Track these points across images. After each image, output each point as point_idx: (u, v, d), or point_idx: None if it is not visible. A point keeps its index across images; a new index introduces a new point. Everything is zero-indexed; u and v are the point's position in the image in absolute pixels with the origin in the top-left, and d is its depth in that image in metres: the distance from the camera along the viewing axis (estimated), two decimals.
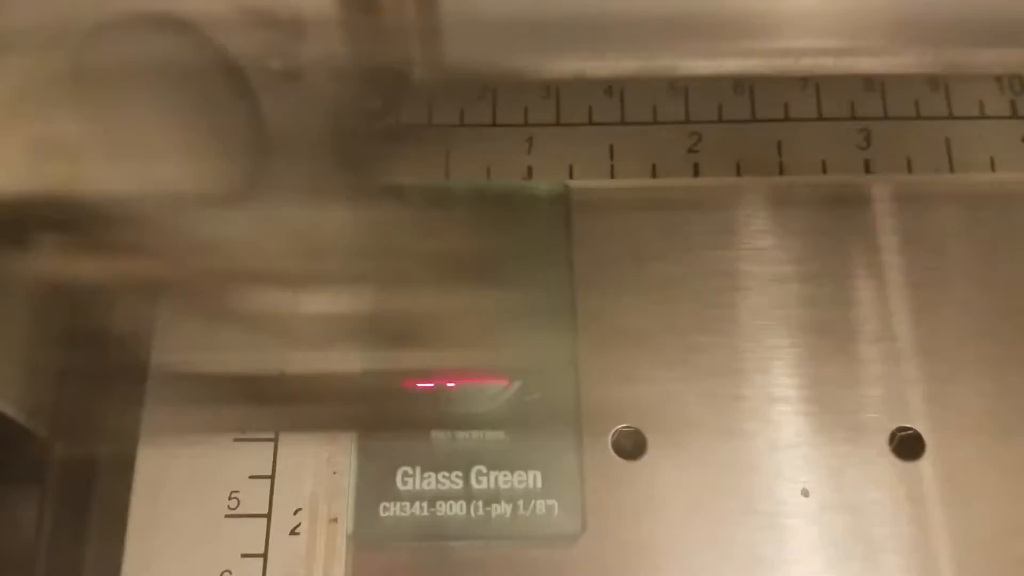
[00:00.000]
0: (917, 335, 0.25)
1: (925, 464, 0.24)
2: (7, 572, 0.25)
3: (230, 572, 0.22)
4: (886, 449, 0.25)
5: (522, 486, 0.24)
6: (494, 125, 0.28)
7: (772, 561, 0.24)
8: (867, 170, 0.27)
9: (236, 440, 0.24)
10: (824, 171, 0.27)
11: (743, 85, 0.28)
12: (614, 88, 0.28)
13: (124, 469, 0.24)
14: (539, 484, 0.24)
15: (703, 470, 0.24)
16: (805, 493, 0.24)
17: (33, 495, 0.25)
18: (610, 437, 0.25)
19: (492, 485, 0.24)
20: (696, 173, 0.27)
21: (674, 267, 0.26)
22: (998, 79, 0.28)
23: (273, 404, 0.23)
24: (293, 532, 0.23)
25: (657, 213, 0.27)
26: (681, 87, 0.28)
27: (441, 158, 0.27)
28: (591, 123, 0.28)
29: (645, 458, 0.24)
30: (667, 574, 0.24)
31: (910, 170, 0.27)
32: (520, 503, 0.23)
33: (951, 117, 0.28)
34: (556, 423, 0.24)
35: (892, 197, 0.27)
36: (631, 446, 0.25)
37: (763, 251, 0.26)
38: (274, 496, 0.23)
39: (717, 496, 0.24)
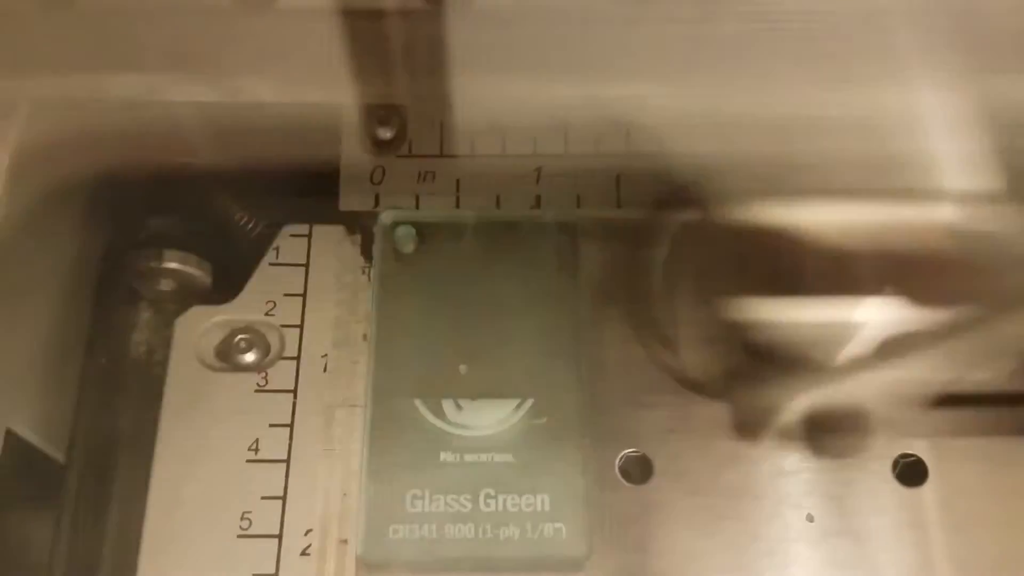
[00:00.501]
0: None
1: (927, 491, 0.25)
2: None
3: None
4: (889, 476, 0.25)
5: (530, 509, 0.24)
6: None
7: None
8: None
9: (249, 461, 0.24)
10: None
11: None
12: None
13: (138, 491, 0.24)
14: (547, 507, 0.24)
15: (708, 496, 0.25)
16: (810, 519, 0.25)
17: (49, 517, 0.26)
18: (617, 461, 0.25)
19: (500, 508, 0.24)
20: None
21: None
22: None
23: None
24: (304, 553, 0.23)
25: None
26: None
27: None
28: None
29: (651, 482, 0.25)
30: None
31: None
32: (528, 526, 0.24)
33: None
34: (563, 446, 0.25)
35: None
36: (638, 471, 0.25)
37: None
38: (285, 517, 0.24)
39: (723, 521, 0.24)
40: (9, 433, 0.23)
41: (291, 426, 0.25)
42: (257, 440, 0.24)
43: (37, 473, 0.25)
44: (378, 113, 0.28)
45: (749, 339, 0.24)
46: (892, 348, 0.21)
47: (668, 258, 0.26)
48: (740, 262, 0.23)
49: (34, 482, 0.25)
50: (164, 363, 0.26)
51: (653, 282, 0.26)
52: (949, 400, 0.24)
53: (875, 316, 0.21)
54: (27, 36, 0.22)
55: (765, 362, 0.24)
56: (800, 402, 0.24)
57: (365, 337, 0.26)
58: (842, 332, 0.22)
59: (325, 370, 0.26)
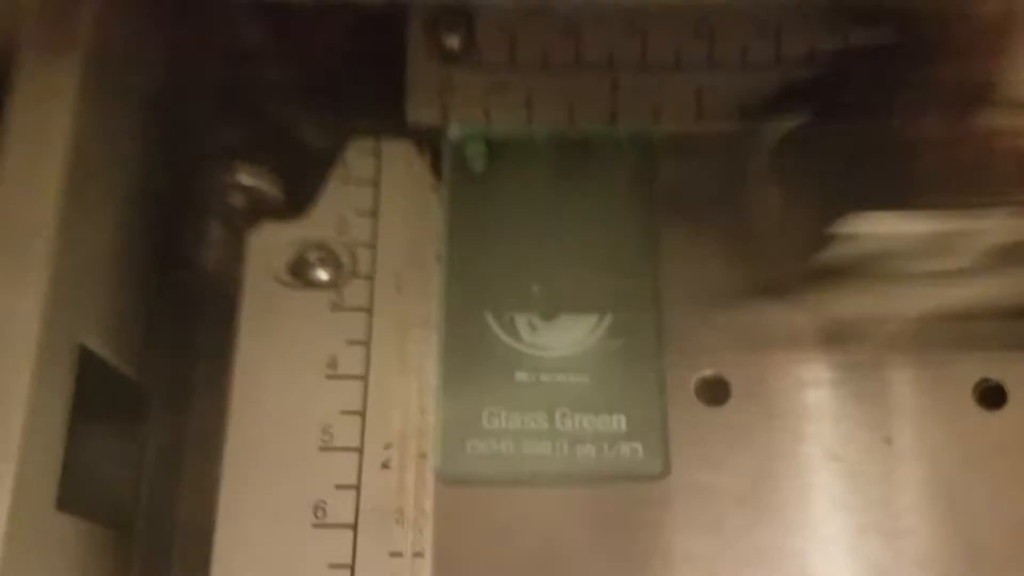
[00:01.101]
0: None
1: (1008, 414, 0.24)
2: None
3: (325, 503, 0.23)
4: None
5: (607, 429, 0.24)
6: None
7: (851, 506, 0.24)
8: None
9: (328, 377, 0.24)
10: None
11: None
12: None
13: (216, 409, 0.25)
14: (624, 427, 0.24)
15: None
16: (888, 441, 0.24)
17: (130, 433, 0.26)
18: (693, 383, 0.25)
19: (577, 426, 0.24)
20: None
21: None
22: None
23: None
24: (384, 466, 0.24)
25: None
26: None
27: None
28: None
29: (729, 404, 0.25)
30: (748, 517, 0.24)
31: None
32: (605, 445, 0.24)
33: None
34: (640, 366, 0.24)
35: None
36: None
37: None
38: (365, 432, 0.24)
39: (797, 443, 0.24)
40: (84, 349, 0.23)
41: (367, 344, 0.25)
42: (335, 357, 0.25)
43: (114, 390, 0.25)
44: (446, 19, 0.27)
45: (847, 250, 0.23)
46: (1006, 258, 0.21)
47: (759, 170, 0.25)
48: (845, 169, 0.23)
49: (112, 399, 0.25)
50: (235, 279, 0.26)
51: (742, 197, 0.25)
52: None
53: (989, 225, 0.21)
54: None
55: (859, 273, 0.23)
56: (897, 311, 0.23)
57: (438, 257, 0.26)
58: (950, 242, 0.21)
59: (399, 289, 0.25)
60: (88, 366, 0.23)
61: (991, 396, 0.25)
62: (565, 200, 0.26)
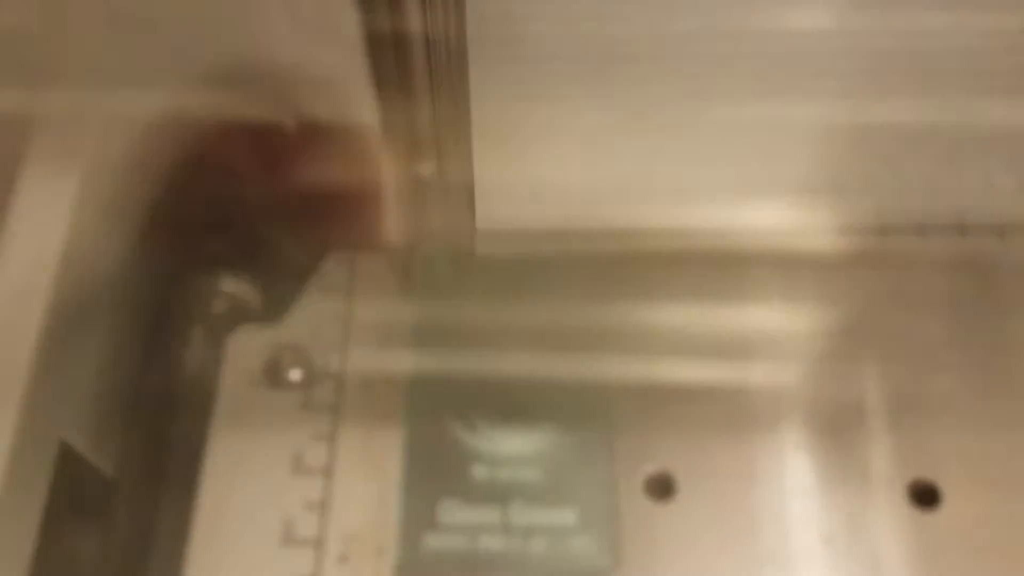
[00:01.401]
0: None
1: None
2: None
3: None
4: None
5: (560, 522, 0.25)
6: None
7: None
8: None
9: (293, 472, 0.26)
10: None
11: None
12: None
13: (186, 502, 0.26)
14: (576, 522, 0.25)
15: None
16: (827, 541, 0.25)
17: (99, 531, 0.27)
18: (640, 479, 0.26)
19: (530, 522, 0.25)
20: None
21: None
22: None
23: None
24: (343, 559, 0.24)
25: None
26: None
27: None
28: None
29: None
30: None
31: None
32: (557, 540, 0.25)
33: None
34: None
35: None
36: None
37: None
38: (325, 525, 0.25)
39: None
40: (64, 445, 0.24)
41: (333, 439, 0.26)
42: (301, 453, 0.26)
43: (88, 487, 0.26)
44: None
45: None
46: None
47: None
48: None
49: (85, 495, 0.26)
50: (213, 380, 0.27)
51: None
52: None
53: None
54: (96, 51, 0.24)
55: None
56: None
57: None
58: None
59: (366, 388, 0.27)
60: (67, 462, 0.24)
61: (925, 496, 0.26)
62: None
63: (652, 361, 0.27)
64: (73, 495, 0.25)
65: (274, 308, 0.28)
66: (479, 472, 0.26)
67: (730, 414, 0.27)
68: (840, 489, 0.26)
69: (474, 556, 0.25)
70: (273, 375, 0.27)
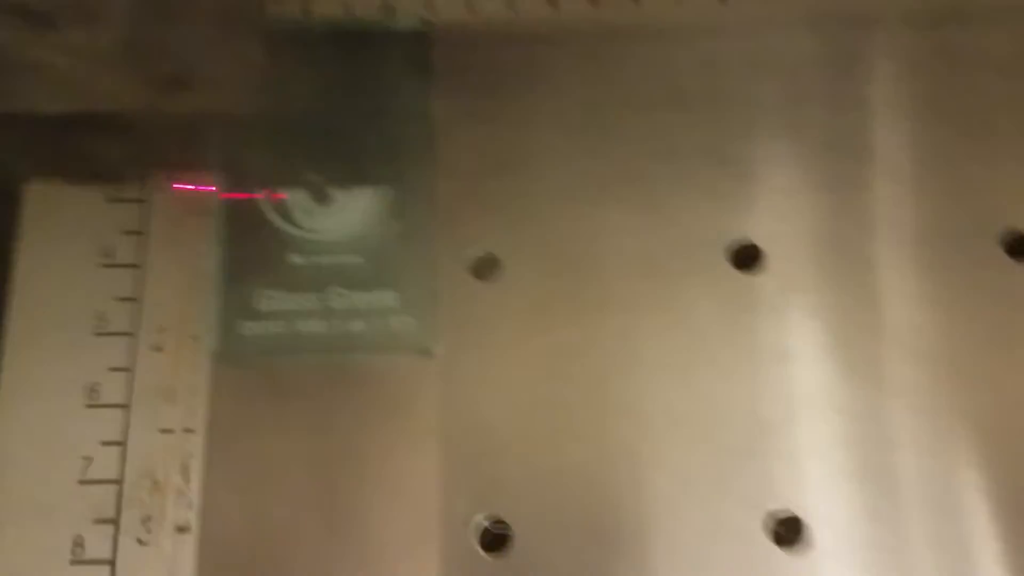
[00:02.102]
0: None
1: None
2: None
3: (99, 384, 0.24)
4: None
5: (380, 304, 0.25)
6: None
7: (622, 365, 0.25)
8: None
9: (104, 266, 0.25)
10: None
11: None
12: None
13: None
14: (396, 303, 0.25)
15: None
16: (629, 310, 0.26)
17: None
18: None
19: (350, 305, 0.25)
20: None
21: None
22: None
23: None
24: (157, 348, 0.24)
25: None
26: None
27: None
28: None
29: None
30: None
31: None
32: (377, 320, 0.25)
33: None
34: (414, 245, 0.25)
35: None
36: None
37: None
38: (141, 316, 0.24)
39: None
40: None
41: (144, 233, 0.25)
42: (112, 246, 0.25)
43: None
44: None
45: None
46: None
47: None
48: None
49: None
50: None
51: None
52: None
53: None
54: None
55: None
56: None
57: None
58: None
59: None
60: None
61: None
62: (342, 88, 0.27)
63: None
64: None
65: None
66: (296, 260, 0.25)
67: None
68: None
69: (293, 340, 0.25)
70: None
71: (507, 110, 0.27)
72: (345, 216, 0.26)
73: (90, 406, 0.24)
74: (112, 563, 0.23)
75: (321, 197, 0.26)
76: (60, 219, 0.25)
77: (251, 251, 0.25)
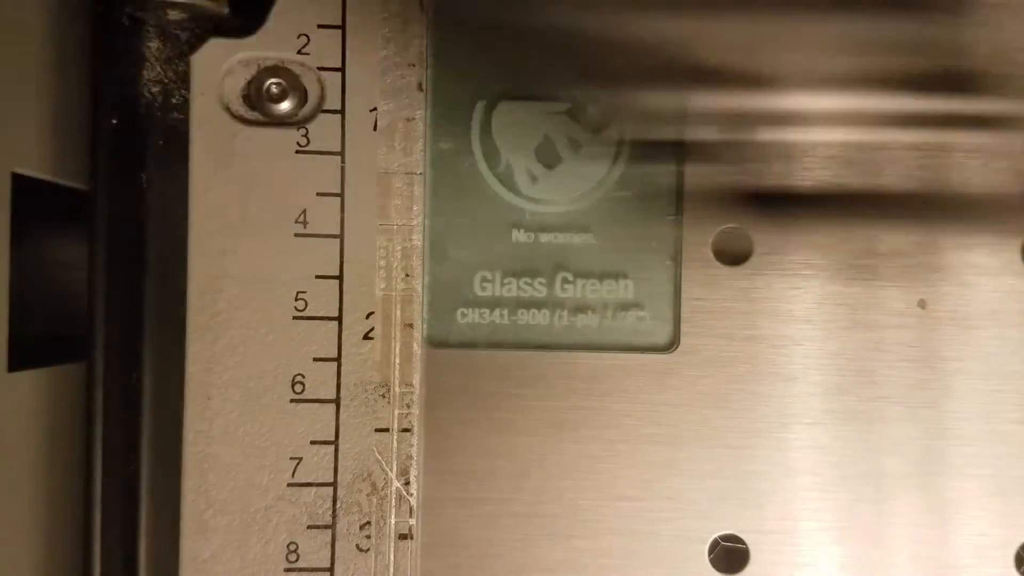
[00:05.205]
0: None
1: None
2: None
3: (303, 376, 0.21)
4: None
5: (612, 295, 0.21)
6: None
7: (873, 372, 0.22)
8: None
9: (297, 236, 0.21)
10: None
11: None
12: None
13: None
14: (630, 294, 0.22)
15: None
16: (922, 305, 0.22)
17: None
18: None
19: (579, 294, 0.21)
20: None
21: None
22: None
23: None
24: (367, 336, 0.21)
25: None
26: None
27: None
28: None
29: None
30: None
31: None
32: (609, 313, 0.22)
33: None
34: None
35: None
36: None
37: None
38: (344, 298, 0.21)
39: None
40: (17, 176, 0.21)
41: (341, 195, 0.21)
42: (304, 210, 0.21)
43: (60, 203, 0.23)
44: None
45: None
46: None
47: None
48: None
49: (57, 211, 0.23)
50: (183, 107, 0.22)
51: None
52: None
53: None
54: None
55: None
56: None
57: (421, 87, 0.21)
58: None
59: (375, 128, 0.21)
60: (26, 190, 0.22)
61: None
62: None
63: None
64: (43, 214, 0.23)
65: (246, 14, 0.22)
66: (520, 238, 0.21)
67: None
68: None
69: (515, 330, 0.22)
70: (256, 104, 0.21)
71: None
72: (576, 183, 0.22)
73: (295, 400, 0.21)
74: (330, 571, 0.21)
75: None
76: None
77: (467, 225, 0.22)
